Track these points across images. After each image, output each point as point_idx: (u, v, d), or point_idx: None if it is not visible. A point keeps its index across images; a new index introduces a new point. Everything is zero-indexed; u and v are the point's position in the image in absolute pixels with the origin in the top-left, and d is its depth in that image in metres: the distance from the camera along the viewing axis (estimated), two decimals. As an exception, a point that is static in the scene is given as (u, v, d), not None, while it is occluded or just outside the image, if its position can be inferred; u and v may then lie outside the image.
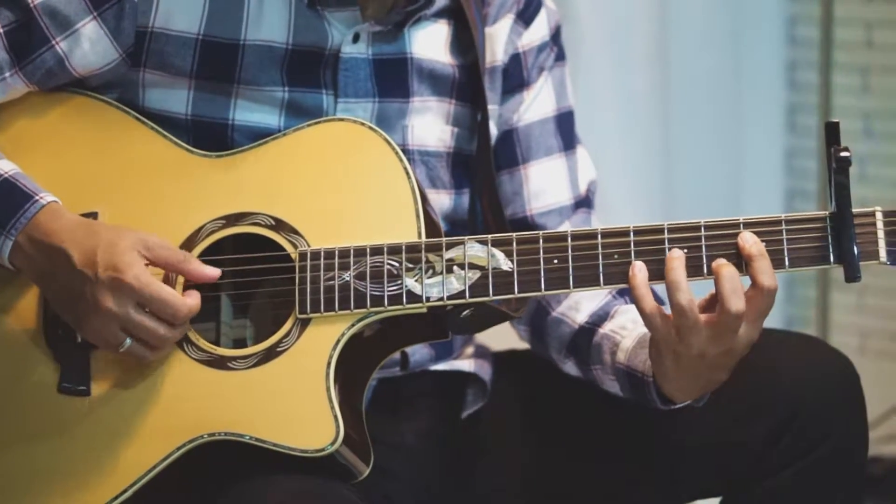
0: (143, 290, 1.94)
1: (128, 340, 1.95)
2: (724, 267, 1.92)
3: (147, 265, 1.96)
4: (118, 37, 2.08)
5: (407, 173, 2.03)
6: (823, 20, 4.06)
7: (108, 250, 1.95)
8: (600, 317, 2.17)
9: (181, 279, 2.01)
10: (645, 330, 2.08)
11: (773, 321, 2.04)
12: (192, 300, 1.97)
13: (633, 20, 3.94)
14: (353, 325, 1.99)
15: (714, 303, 1.93)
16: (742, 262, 1.94)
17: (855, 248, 1.92)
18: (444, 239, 2.00)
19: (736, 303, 1.91)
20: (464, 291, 1.99)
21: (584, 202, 2.25)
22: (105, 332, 1.95)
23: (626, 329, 2.12)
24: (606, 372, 2.12)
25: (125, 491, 1.97)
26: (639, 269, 1.94)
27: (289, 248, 2.02)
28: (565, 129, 2.25)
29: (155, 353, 1.98)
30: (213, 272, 1.99)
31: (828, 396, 2.09)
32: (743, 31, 4.07)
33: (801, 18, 4.18)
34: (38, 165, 2.06)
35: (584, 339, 2.16)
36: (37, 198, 1.99)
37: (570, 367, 2.20)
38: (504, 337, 2.32)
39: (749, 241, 1.93)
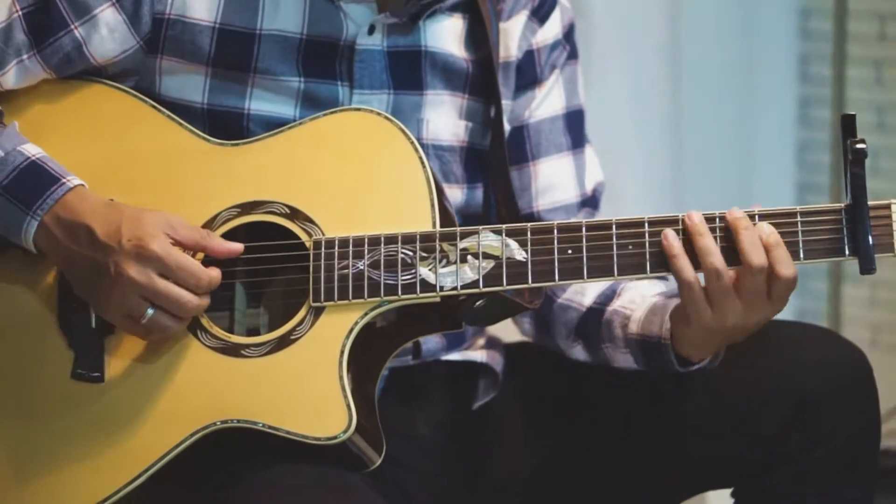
0: (167, 259, 1.95)
1: (150, 310, 1.96)
2: (741, 220, 1.94)
3: (170, 242, 1.97)
4: (136, 24, 2.08)
5: (422, 163, 2.03)
6: (837, 13, 4.06)
7: (132, 223, 1.96)
8: (608, 296, 2.18)
9: (199, 258, 2.01)
10: (655, 300, 2.09)
11: (784, 314, 2.05)
12: (214, 271, 1.98)
13: (645, 14, 3.93)
14: (366, 314, 1.99)
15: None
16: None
17: (870, 241, 1.92)
18: (458, 228, 2.01)
19: (757, 257, 1.93)
20: (478, 281, 1.99)
21: (589, 202, 2.26)
22: (128, 302, 1.96)
23: (635, 303, 2.13)
24: (618, 346, 2.13)
25: (138, 477, 1.98)
26: (673, 238, 1.95)
27: (303, 237, 2.02)
28: (574, 127, 2.26)
29: (178, 324, 1.98)
30: (236, 247, 2.00)
31: (840, 388, 2.09)
32: (755, 25, 4.07)
33: (814, 11, 4.17)
34: (54, 153, 2.05)
35: (594, 320, 2.17)
36: (64, 180, 2.00)
37: (578, 352, 2.21)
38: (516, 329, 2.32)
39: (766, 231, 1.94)
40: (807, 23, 4.18)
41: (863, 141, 1.92)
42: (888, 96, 4.09)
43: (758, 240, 1.94)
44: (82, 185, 2.01)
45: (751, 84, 4.06)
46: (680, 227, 1.97)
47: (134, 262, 1.95)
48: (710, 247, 1.94)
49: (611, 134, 3.71)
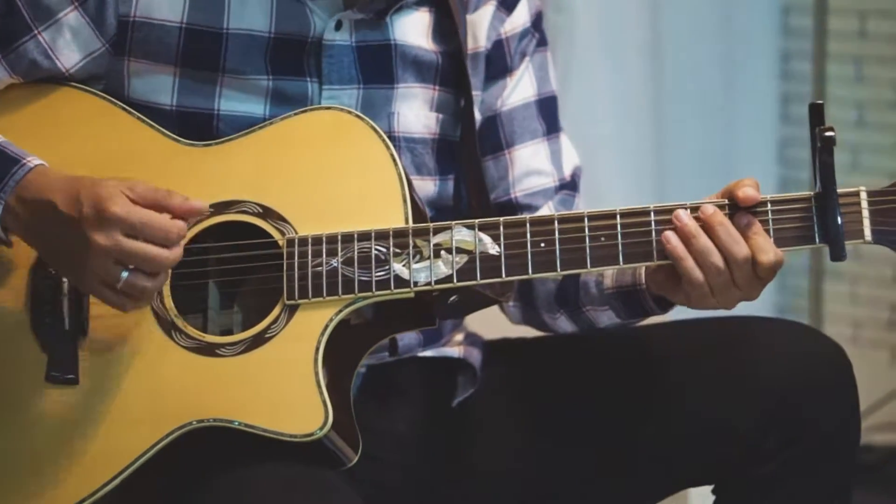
0: (130, 217, 1.92)
1: (123, 273, 1.94)
2: (714, 216, 1.96)
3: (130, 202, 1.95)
4: (100, 26, 2.08)
5: (394, 160, 2.04)
6: (817, 10, 4.07)
7: (90, 190, 1.94)
8: None
9: None
10: None
11: (765, 311, 2.05)
12: (181, 222, 1.95)
13: (626, 10, 3.94)
14: (340, 311, 1.99)
15: None
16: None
17: (840, 228, 1.92)
18: (431, 224, 2.01)
19: (739, 249, 1.95)
20: (451, 276, 1.99)
21: (567, 185, 2.26)
22: (100, 270, 1.93)
23: None
24: (596, 305, 2.15)
25: (115, 478, 1.97)
26: (676, 241, 1.96)
27: (276, 235, 2.02)
28: (548, 113, 2.27)
29: (154, 283, 1.95)
30: (200, 205, 1.97)
31: (820, 384, 2.09)
32: (736, 21, 4.08)
33: (794, 8, 4.19)
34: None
35: (570, 284, 2.18)
36: (24, 161, 2.00)
37: (563, 323, 2.22)
38: (496, 324, 2.32)
39: (743, 221, 1.97)
40: (787, 20, 4.19)
41: (831, 129, 1.92)
42: (868, 93, 4.10)
43: (735, 232, 1.95)
44: (43, 164, 2.00)
45: (732, 81, 4.07)
46: (651, 217, 1.98)
47: (98, 227, 1.93)
48: (709, 246, 1.96)
49: (592, 130, 3.72)
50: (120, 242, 1.92)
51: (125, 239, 1.93)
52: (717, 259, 1.95)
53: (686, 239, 1.96)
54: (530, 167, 2.24)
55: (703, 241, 1.96)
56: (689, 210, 1.98)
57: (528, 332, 2.34)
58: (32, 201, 1.97)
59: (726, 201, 1.99)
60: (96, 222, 1.93)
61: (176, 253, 1.95)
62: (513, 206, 2.23)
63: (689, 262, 1.96)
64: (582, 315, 2.19)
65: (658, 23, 3.95)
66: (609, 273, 2.12)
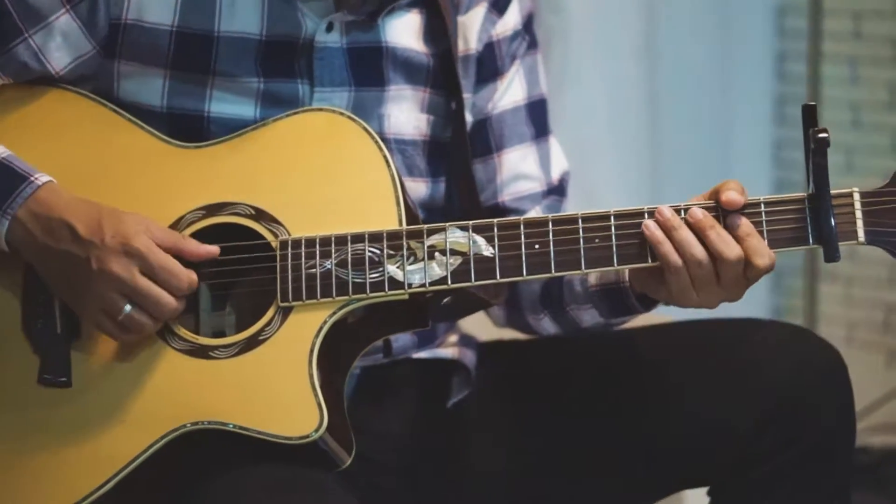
0: (150, 257, 1.95)
1: (128, 307, 1.96)
2: (704, 220, 1.95)
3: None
4: (92, 30, 2.08)
5: (387, 161, 2.03)
6: (812, 11, 4.07)
7: (113, 220, 1.97)
8: None
9: None
10: None
11: (760, 311, 2.05)
12: (192, 274, 1.99)
13: (622, 11, 3.95)
14: (335, 313, 1.99)
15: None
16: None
17: (833, 229, 1.93)
18: (425, 226, 2.01)
19: (730, 250, 1.94)
20: (445, 277, 1.99)
21: (555, 190, 2.26)
22: (106, 299, 1.95)
23: None
24: (581, 304, 2.15)
25: (108, 481, 1.97)
26: (654, 227, 1.96)
27: (269, 237, 2.02)
28: (537, 116, 2.27)
29: (153, 324, 1.97)
30: (212, 249, 2.00)
31: (815, 386, 2.09)
32: (732, 22, 4.09)
33: (789, 9, 4.20)
34: (15, 157, 2.06)
35: (555, 282, 2.18)
36: (32, 178, 2.00)
37: (547, 324, 2.22)
38: (490, 326, 2.32)
39: (738, 223, 1.96)
40: (783, 20, 4.20)
41: (825, 130, 1.92)
42: (863, 94, 4.10)
43: (726, 234, 1.95)
44: (51, 180, 2.01)
45: (727, 82, 4.08)
46: (645, 219, 1.97)
47: (118, 257, 1.95)
48: (689, 238, 1.95)
49: (587, 132, 3.72)
50: (135, 277, 1.95)
51: (140, 276, 1.95)
52: (697, 251, 1.95)
53: (667, 231, 1.96)
54: (518, 171, 2.24)
55: (684, 233, 1.95)
56: (682, 212, 1.98)
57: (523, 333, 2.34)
58: (46, 218, 1.98)
59: (714, 203, 1.98)
60: (118, 252, 1.95)
61: (181, 305, 1.98)
62: (500, 210, 2.23)
63: (667, 246, 1.95)
64: (565, 315, 2.19)
65: (653, 24, 3.95)
66: (593, 273, 2.12)
